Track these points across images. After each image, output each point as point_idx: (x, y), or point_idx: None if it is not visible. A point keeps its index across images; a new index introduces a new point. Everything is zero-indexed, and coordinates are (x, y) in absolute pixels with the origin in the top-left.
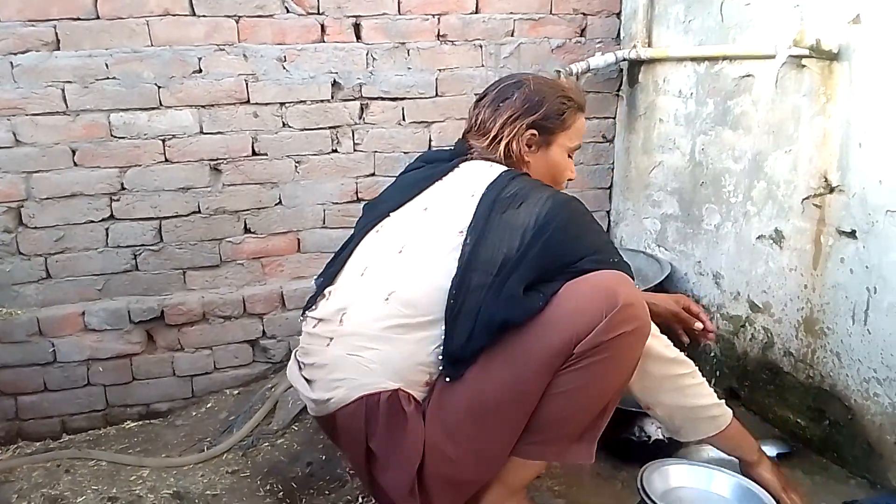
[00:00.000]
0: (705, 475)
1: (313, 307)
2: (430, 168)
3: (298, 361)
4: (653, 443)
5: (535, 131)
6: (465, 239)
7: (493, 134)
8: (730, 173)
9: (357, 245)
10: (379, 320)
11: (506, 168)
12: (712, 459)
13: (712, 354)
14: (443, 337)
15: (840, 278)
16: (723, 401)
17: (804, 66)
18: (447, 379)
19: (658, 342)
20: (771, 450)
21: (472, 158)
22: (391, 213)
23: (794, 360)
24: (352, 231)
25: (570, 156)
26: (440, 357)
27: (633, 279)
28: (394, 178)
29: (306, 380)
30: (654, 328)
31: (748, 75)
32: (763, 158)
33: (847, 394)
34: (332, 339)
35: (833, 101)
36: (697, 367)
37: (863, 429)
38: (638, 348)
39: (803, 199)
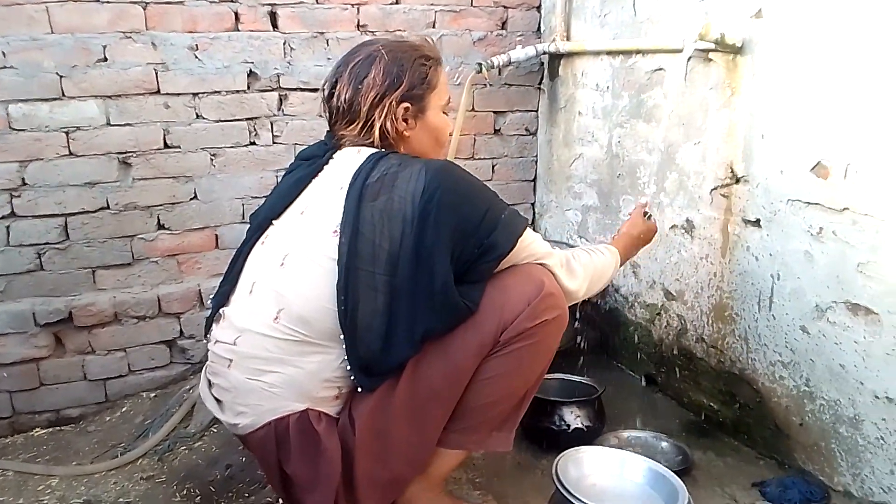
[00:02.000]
0: (618, 461)
1: (211, 329)
2: (306, 166)
3: (208, 379)
4: (572, 431)
5: (407, 104)
6: (340, 238)
7: (362, 120)
8: (644, 165)
9: (245, 259)
10: (273, 342)
11: (374, 150)
12: (627, 445)
13: (636, 340)
14: (345, 353)
15: (746, 266)
16: (605, 246)
17: (711, 59)
18: (359, 389)
19: (574, 276)
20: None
21: (343, 146)
22: (274, 221)
23: (706, 346)
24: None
25: (445, 112)
26: (348, 369)
27: (527, 224)
28: None
29: (216, 399)
30: (557, 259)
31: (660, 69)
32: (674, 150)
33: (755, 377)
34: (231, 360)
35: (738, 94)
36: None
37: (770, 411)
38: (558, 336)
39: (712, 190)
